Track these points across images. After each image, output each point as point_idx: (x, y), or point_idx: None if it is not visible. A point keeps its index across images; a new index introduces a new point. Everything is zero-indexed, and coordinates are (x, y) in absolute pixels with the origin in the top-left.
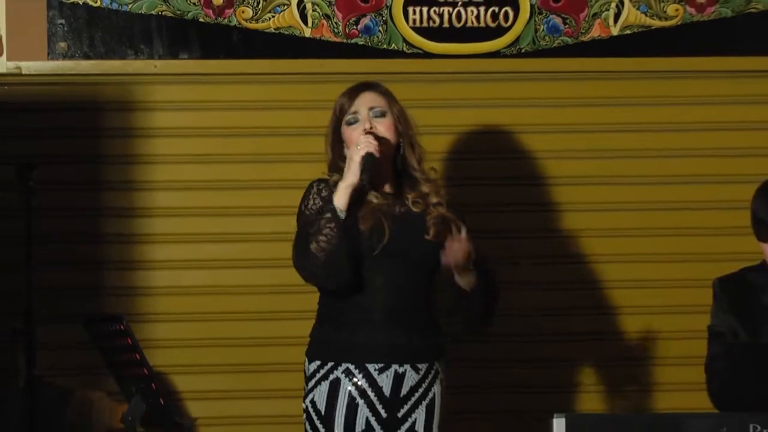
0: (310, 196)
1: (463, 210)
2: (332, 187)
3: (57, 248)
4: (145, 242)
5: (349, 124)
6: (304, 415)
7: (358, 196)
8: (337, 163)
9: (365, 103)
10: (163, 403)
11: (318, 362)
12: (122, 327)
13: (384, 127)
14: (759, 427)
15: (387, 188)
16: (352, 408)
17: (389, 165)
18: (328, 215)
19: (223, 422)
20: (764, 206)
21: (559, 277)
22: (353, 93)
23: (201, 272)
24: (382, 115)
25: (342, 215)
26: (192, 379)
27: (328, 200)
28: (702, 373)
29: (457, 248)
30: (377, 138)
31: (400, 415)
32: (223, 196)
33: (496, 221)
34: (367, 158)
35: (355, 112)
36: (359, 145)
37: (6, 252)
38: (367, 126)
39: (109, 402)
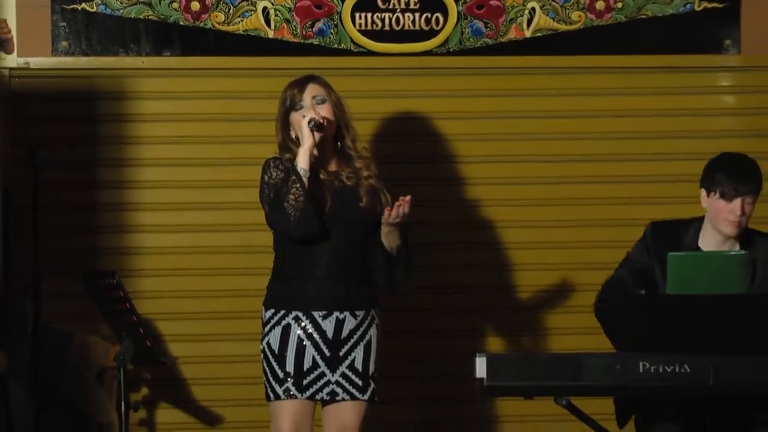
0: (271, 170)
1: (392, 181)
2: (285, 163)
3: (60, 215)
4: (135, 210)
5: (297, 110)
6: (262, 355)
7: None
8: (286, 143)
9: (309, 92)
10: (149, 344)
11: (272, 310)
12: (115, 281)
13: (324, 111)
14: (647, 365)
15: (329, 166)
16: (300, 348)
17: (331, 146)
18: (293, 177)
19: (198, 361)
20: (730, 169)
21: (477, 239)
22: (302, 86)
23: (181, 235)
24: (323, 102)
25: (306, 174)
26: (173, 324)
27: (292, 166)
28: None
29: (399, 208)
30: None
31: (341, 354)
32: (200, 171)
33: (422, 192)
34: (311, 120)
35: (300, 101)
36: (305, 116)
37: (17, 219)
38: (311, 111)
39: (104, 344)
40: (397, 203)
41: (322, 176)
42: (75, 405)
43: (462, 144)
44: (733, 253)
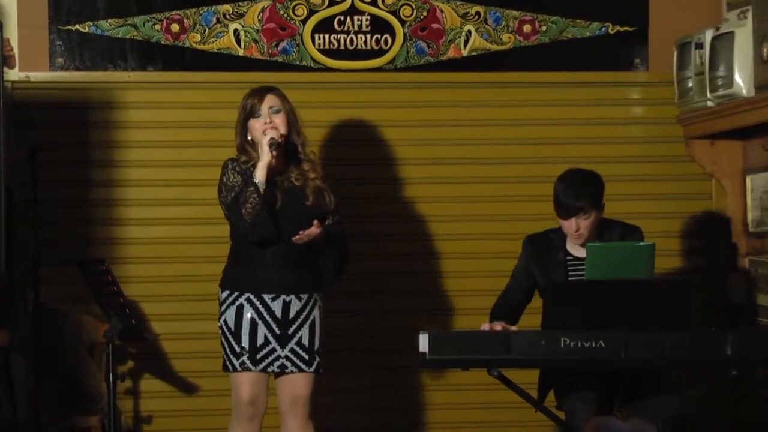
0: (229, 172)
1: (337, 181)
2: (242, 165)
3: (57, 210)
4: (122, 205)
5: (255, 117)
6: (220, 331)
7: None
8: (243, 146)
9: (267, 103)
10: (134, 323)
11: (227, 292)
12: (104, 267)
13: (279, 120)
14: (568, 340)
15: (280, 168)
16: (253, 327)
17: (283, 150)
18: (251, 188)
19: (177, 337)
20: (564, 191)
21: (416, 230)
22: (261, 96)
23: (162, 227)
24: (278, 111)
25: (262, 187)
26: (155, 305)
27: (250, 175)
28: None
29: (308, 233)
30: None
31: (289, 332)
32: (179, 171)
33: (369, 190)
34: (271, 141)
35: (259, 109)
36: (266, 133)
37: (20, 213)
38: (268, 120)
39: (95, 322)
40: (300, 234)
41: (276, 178)
42: (70, 376)
43: (407, 148)
44: (641, 243)
